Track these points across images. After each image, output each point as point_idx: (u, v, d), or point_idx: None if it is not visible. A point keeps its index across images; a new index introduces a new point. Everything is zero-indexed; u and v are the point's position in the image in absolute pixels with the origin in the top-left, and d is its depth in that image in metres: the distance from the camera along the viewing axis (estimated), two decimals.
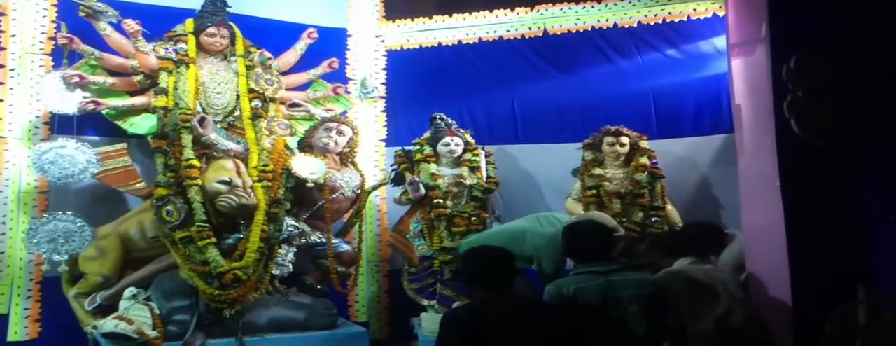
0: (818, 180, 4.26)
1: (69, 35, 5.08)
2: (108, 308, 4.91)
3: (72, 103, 5.03)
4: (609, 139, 5.99)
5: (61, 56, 5.18)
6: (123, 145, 5.27)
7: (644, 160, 5.93)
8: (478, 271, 3.42)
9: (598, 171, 5.98)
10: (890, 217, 4.02)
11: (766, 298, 4.23)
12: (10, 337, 5.11)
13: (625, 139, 5.97)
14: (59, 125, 5.15)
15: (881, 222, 4.09)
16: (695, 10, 6.51)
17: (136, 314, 4.70)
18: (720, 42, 6.34)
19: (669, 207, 6.00)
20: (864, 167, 4.23)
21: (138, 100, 5.30)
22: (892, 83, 4.08)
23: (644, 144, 6.04)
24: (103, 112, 5.19)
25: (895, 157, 4.11)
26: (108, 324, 4.59)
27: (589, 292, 3.51)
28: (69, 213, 4.91)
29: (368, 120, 6.59)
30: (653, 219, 5.81)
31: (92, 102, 5.06)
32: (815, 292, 3.99)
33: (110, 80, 5.27)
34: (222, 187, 4.94)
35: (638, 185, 5.84)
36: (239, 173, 5.06)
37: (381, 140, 6.74)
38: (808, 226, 4.21)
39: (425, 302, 5.78)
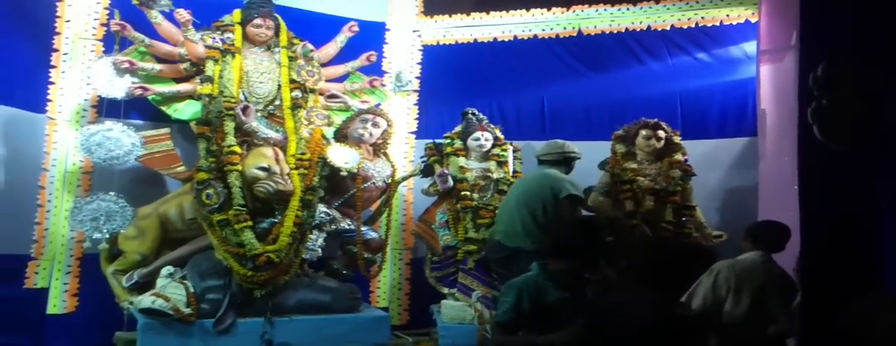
0: (836, 186, 4.33)
1: (122, 22, 5.25)
2: (144, 286, 5.10)
3: (121, 88, 5.20)
4: (645, 132, 5.79)
5: (113, 42, 5.35)
6: (167, 130, 5.45)
7: (679, 157, 5.78)
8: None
9: (632, 165, 5.78)
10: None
11: None
12: (50, 310, 5.33)
13: (661, 133, 5.78)
14: (106, 109, 5.34)
15: (895, 228, 4.17)
16: (728, 15, 6.56)
17: (172, 291, 4.86)
18: (750, 47, 6.40)
19: (697, 208, 5.86)
20: (883, 175, 4.30)
21: (184, 87, 5.46)
22: None
23: (678, 139, 5.89)
24: (149, 97, 5.36)
25: None
26: (146, 300, 4.76)
27: None
28: (112, 193, 5.11)
29: (400, 112, 6.70)
30: (683, 219, 5.65)
31: (140, 87, 5.23)
32: (826, 294, 4.08)
33: (158, 66, 5.44)
34: (261, 174, 5.08)
35: (673, 182, 5.66)
36: (277, 161, 5.20)
37: (411, 132, 6.86)
38: (824, 230, 4.30)
39: (446, 290, 5.95)
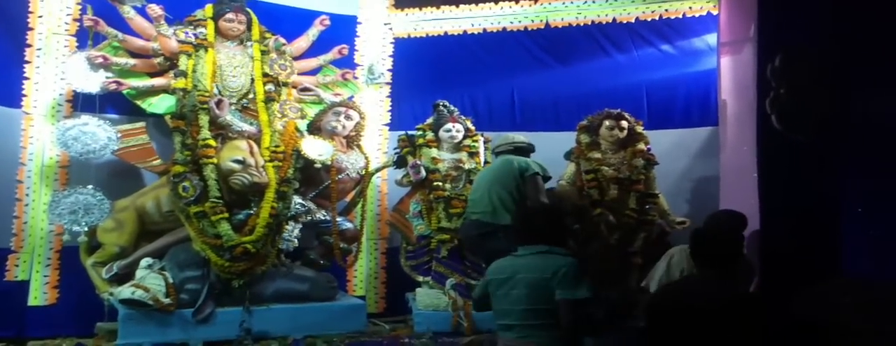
0: (794, 174, 4.50)
1: (95, 17, 5.28)
2: (123, 277, 5.18)
3: (95, 83, 5.26)
4: (609, 123, 5.93)
5: (86, 37, 5.39)
6: (142, 124, 5.51)
7: (642, 146, 5.92)
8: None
9: (596, 155, 5.91)
10: (858, 209, 4.25)
11: None
12: (31, 302, 5.37)
13: (625, 123, 5.92)
14: (81, 103, 5.38)
15: (851, 215, 4.34)
16: (690, 7, 6.73)
17: (151, 282, 4.95)
18: (712, 39, 6.60)
19: (661, 196, 6.04)
20: (839, 162, 4.46)
21: (158, 81, 5.51)
22: (869, 84, 4.31)
23: (640, 129, 6.04)
24: (124, 92, 5.40)
25: (869, 153, 4.33)
26: (126, 291, 4.84)
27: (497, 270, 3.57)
28: (89, 187, 5.19)
29: (373, 105, 6.76)
30: (646, 206, 5.81)
31: (114, 82, 5.28)
32: (785, 277, 4.25)
33: (132, 61, 5.48)
34: (236, 166, 5.16)
35: (636, 171, 5.82)
36: (252, 153, 5.28)
37: (385, 124, 6.92)
38: (782, 217, 4.46)
39: (420, 278, 6.04)
